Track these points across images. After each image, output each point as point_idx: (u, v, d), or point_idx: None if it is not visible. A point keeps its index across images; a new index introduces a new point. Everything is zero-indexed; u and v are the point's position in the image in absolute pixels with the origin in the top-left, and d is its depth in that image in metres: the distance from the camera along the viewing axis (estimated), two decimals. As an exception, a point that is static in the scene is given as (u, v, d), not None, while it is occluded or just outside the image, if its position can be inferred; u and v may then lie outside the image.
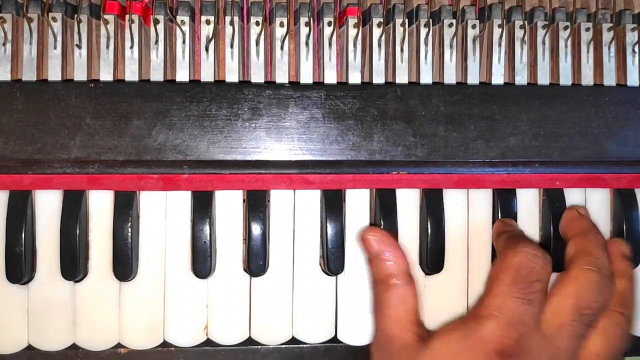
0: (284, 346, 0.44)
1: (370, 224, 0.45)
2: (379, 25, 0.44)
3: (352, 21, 0.44)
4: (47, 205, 0.43)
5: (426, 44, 0.44)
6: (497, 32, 0.45)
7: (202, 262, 0.43)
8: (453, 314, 0.45)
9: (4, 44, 0.42)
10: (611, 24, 0.46)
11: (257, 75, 0.44)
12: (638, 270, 0.46)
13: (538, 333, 0.36)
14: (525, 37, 0.45)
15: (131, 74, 0.43)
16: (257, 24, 0.44)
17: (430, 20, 0.44)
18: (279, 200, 0.44)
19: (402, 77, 0.44)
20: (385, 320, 0.39)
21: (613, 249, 0.42)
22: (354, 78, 0.44)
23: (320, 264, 0.45)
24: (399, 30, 0.44)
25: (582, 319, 0.37)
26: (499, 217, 0.45)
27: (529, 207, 0.46)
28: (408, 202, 0.45)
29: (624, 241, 0.44)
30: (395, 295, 0.39)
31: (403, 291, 0.39)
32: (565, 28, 0.45)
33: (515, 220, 0.45)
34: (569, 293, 0.37)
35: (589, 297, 0.37)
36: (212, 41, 0.43)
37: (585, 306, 0.37)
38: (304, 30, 0.44)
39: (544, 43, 0.45)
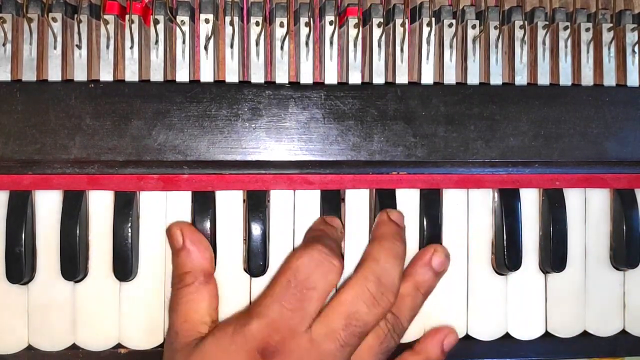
0: (284, 346, 0.44)
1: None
2: (379, 26, 0.44)
3: (352, 21, 0.44)
4: (47, 206, 0.43)
5: (428, 43, 0.44)
6: (494, 32, 0.45)
7: (202, 262, 0.43)
8: (453, 314, 0.45)
9: (4, 44, 0.42)
10: (611, 24, 0.46)
11: (257, 76, 0.44)
12: (639, 270, 0.46)
13: (307, 336, 0.36)
14: (525, 37, 0.45)
15: (131, 74, 0.43)
16: (257, 24, 0.44)
17: (432, 19, 0.44)
18: (279, 200, 0.44)
19: (402, 77, 0.44)
20: (174, 316, 0.39)
21: (421, 255, 0.42)
22: (354, 78, 0.44)
23: (320, 264, 0.45)
24: (399, 30, 0.44)
25: (352, 329, 0.36)
26: (501, 217, 0.45)
27: (528, 207, 0.46)
28: (408, 202, 0.45)
29: (440, 249, 0.42)
30: (188, 292, 0.39)
31: (197, 289, 0.39)
32: (565, 28, 0.45)
33: (517, 220, 0.45)
34: (343, 301, 0.37)
35: (360, 309, 0.36)
36: (212, 41, 0.43)
37: (356, 317, 0.36)
38: (304, 30, 0.44)
39: (544, 43, 0.45)
